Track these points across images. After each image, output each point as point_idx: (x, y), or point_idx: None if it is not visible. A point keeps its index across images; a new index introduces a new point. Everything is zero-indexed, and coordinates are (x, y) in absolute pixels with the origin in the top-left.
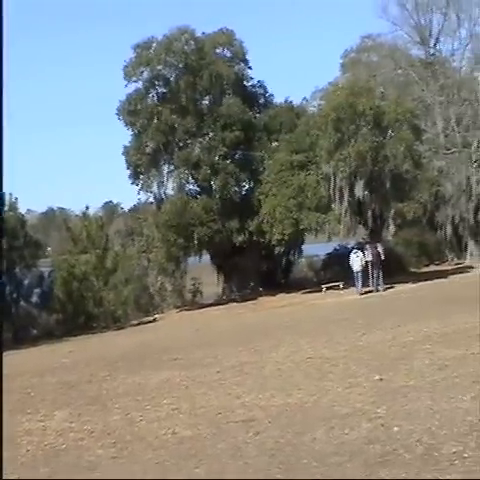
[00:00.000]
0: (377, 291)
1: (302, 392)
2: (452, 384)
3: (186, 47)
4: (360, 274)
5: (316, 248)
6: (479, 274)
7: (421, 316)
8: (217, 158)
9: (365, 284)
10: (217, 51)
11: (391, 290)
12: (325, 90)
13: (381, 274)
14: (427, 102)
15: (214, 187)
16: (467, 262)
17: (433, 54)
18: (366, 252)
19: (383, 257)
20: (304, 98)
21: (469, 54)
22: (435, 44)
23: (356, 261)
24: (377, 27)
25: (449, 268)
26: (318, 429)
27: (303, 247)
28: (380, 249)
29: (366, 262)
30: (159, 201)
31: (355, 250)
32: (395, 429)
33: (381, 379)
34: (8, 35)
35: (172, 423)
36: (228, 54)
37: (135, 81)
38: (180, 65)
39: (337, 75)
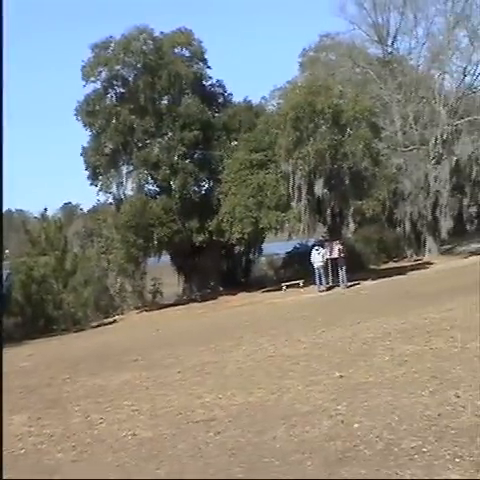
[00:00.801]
0: (343, 288)
1: (263, 391)
2: (411, 380)
3: (145, 47)
4: (321, 271)
5: (276, 247)
6: (437, 270)
7: (381, 313)
8: (176, 158)
9: (326, 281)
10: (176, 51)
11: (351, 287)
12: (284, 89)
13: (338, 272)
14: (385, 100)
15: (173, 187)
16: (426, 258)
17: (391, 53)
18: (326, 250)
19: (343, 254)
20: (263, 97)
21: (426, 52)
22: (393, 43)
23: (317, 258)
24: (335, 26)
25: (408, 264)
26: (279, 427)
27: (263, 246)
28: (339, 246)
29: (327, 259)
30: (118, 202)
31: (316, 247)
32: (355, 425)
33: (341, 376)
34: None
35: (132, 425)
36: (187, 54)
37: (93, 81)
38: (139, 65)
39: (296, 74)
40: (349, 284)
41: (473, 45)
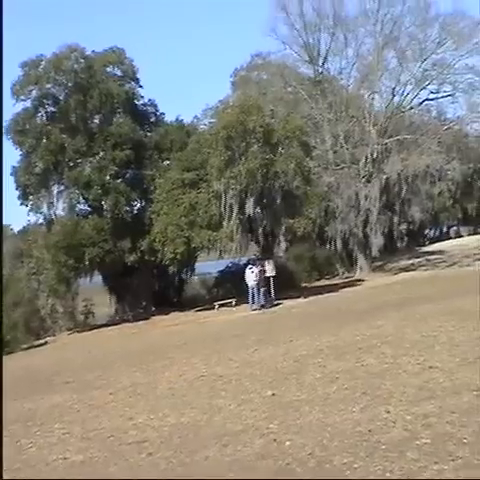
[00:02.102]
0: (266, 307)
1: (195, 411)
2: (343, 396)
3: (76, 65)
4: (254, 289)
5: (209, 266)
6: (368, 287)
7: (313, 330)
8: (108, 177)
9: (258, 300)
10: (107, 70)
11: (283, 305)
12: (216, 108)
13: (269, 290)
14: (316, 119)
15: (105, 207)
16: (357, 276)
17: (321, 72)
18: (259, 268)
19: (274, 273)
20: (195, 116)
21: (356, 73)
22: (323, 63)
23: (250, 276)
24: (267, 46)
25: (340, 282)
26: (211, 447)
27: (196, 265)
28: (271, 265)
29: (260, 278)
30: (49, 222)
31: (250, 265)
32: (287, 443)
33: (273, 394)
34: None
35: (63, 448)
36: (118, 73)
37: (23, 100)
38: (70, 84)
39: (228, 93)
40: (275, 302)
41: (401, 66)
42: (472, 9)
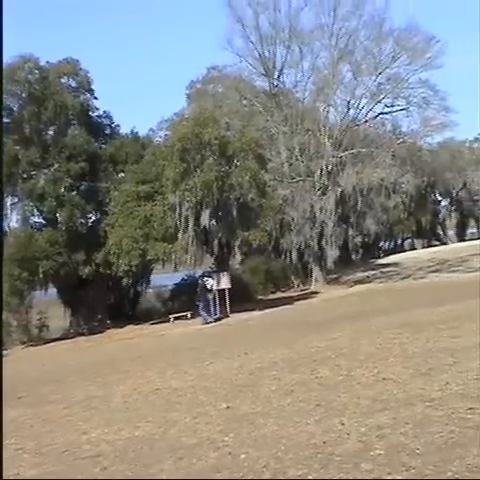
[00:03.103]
0: (214, 320)
1: (150, 424)
2: (297, 409)
3: (30, 76)
4: (209, 302)
5: (164, 278)
6: (324, 299)
7: (268, 343)
8: (62, 190)
9: (214, 313)
10: (62, 81)
11: (239, 318)
12: (171, 120)
13: (225, 303)
14: (271, 132)
15: (60, 219)
16: (312, 288)
17: (277, 85)
18: (214, 281)
19: (230, 285)
20: (150, 129)
21: (311, 86)
22: (279, 76)
23: (206, 289)
24: (223, 58)
25: (295, 294)
26: (166, 461)
27: (151, 278)
28: (226, 277)
29: (215, 290)
30: (2, 234)
31: (205, 278)
32: (242, 456)
33: (228, 407)
34: None
35: (16, 464)
36: (73, 84)
37: None
38: (24, 94)
39: (183, 106)
40: (221, 315)
41: (356, 79)
42: (425, 24)
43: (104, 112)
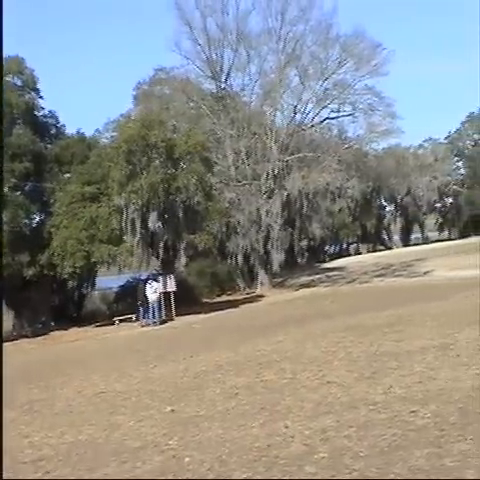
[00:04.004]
0: (159, 323)
1: (93, 428)
2: (242, 412)
3: None
4: (155, 305)
5: (110, 281)
6: (269, 303)
7: (213, 346)
8: (6, 190)
9: (159, 315)
10: (7, 79)
11: (184, 321)
12: (117, 122)
13: (170, 306)
14: (218, 135)
15: (3, 219)
16: (258, 291)
17: (224, 88)
18: (160, 283)
19: (175, 288)
20: (97, 129)
21: (258, 89)
22: (226, 79)
23: (151, 292)
24: (171, 60)
25: (240, 298)
26: (109, 464)
27: (96, 280)
28: (172, 280)
29: (160, 293)
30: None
31: (150, 281)
32: (186, 460)
33: (173, 410)
34: None
35: None
36: (18, 82)
37: None
38: None
39: (130, 107)
40: (166, 318)
41: (303, 84)
42: (372, 31)
43: (50, 112)
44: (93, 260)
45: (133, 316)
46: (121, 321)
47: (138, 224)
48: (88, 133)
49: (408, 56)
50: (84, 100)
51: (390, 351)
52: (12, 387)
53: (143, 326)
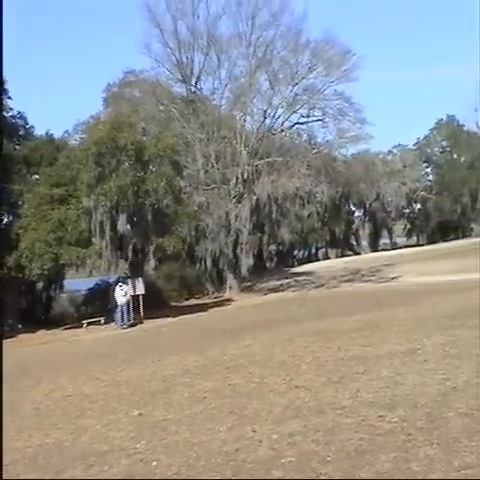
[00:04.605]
0: (128, 326)
1: (60, 431)
2: (210, 416)
3: None
4: (124, 308)
5: (78, 283)
6: (238, 307)
7: (181, 349)
8: None
9: (128, 318)
10: None
11: (152, 324)
12: (87, 124)
13: (139, 309)
14: (188, 139)
15: None
16: (226, 295)
17: (194, 92)
18: (129, 286)
19: (144, 291)
20: (66, 131)
21: (229, 94)
22: (196, 82)
23: (120, 294)
24: (141, 63)
25: (209, 301)
26: (76, 468)
27: (65, 282)
28: (141, 283)
29: (129, 296)
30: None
31: (120, 283)
32: (154, 463)
33: (140, 414)
34: None
35: None
36: None
37: None
38: None
39: (100, 109)
40: (135, 321)
41: (273, 89)
42: (342, 37)
43: (18, 113)
44: (61, 262)
45: (102, 319)
46: (90, 324)
47: (107, 227)
48: (57, 135)
49: (378, 62)
50: (53, 101)
51: (358, 356)
52: None
53: (124, 328)
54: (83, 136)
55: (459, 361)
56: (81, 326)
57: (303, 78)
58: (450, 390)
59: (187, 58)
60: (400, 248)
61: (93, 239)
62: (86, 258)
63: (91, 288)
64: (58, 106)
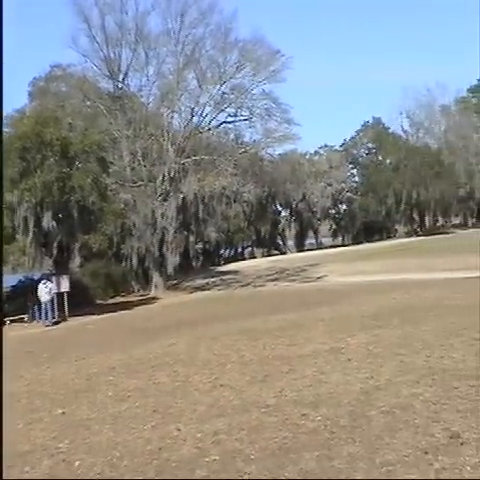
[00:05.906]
0: (52, 324)
1: None
2: (134, 415)
3: None
4: (48, 305)
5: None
6: (163, 305)
7: (106, 348)
8: None
9: (52, 316)
10: None
11: (77, 322)
12: (11, 117)
13: (64, 306)
14: (115, 135)
15: None
16: (152, 293)
17: (122, 88)
18: (53, 284)
19: (68, 289)
20: None
21: (156, 91)
22: (124, 79)
23: (44, 291)
24: (68, 57)
25: (135, 299)
26: None
27: None
28: (65, 281)
29: (53, 293)
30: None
31: (44, 280)
32: (77, 463)
33: (64, 413)
34: None
35: None
36: None
37: None
38: None
39: (25, 103)
40: (59, 319)
41: (201, 87)
42: (270, 37)
43: None
44: None
45: (25, 316)
46: (13, 321)
47: (31, 223)
48: None
49: (306, 63)
50: None
51: (282, 355)
52: None
53: (48, 326)
54: (7, 130)
55: (382, 360)
56: (3, 323)
57: (231, 77)
58: (373, 389)
59: (115, 54)
60: (326, 248)
61: (17, 235)
62: (9, 255)
63: (14, 285)
64: None
